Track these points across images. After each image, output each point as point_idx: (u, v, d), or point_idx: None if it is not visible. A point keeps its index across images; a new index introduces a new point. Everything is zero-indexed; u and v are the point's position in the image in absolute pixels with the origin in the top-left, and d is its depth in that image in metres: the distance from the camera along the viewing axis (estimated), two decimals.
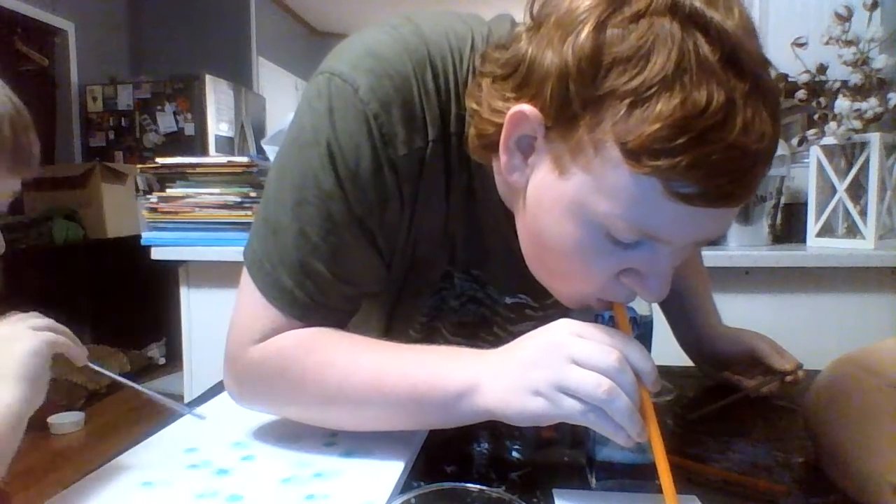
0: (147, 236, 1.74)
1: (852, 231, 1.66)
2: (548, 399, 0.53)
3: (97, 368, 0.71)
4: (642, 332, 0.70)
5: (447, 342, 0.60)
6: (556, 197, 0.55)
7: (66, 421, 2.75)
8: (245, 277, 0.67)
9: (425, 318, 0.78)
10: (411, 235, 0.69)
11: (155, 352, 3.70)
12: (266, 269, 0.65)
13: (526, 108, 0.54)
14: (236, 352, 0.67)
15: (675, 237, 0.52)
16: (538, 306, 0.79)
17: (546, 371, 0.53)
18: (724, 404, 0.84)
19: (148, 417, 0.72)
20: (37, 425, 2.74)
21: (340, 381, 0.62)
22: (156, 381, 3.40)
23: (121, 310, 3.64)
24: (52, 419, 2.73)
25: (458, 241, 0.71)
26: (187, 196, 1.72)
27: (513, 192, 0.62)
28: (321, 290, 0.65)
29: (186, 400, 0.86)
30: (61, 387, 2.93)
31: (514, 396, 0.55)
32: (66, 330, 0.66)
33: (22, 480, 2.21)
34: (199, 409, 0.75)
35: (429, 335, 0.79)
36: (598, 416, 0.52)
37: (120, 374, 2.75)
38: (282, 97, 6.15)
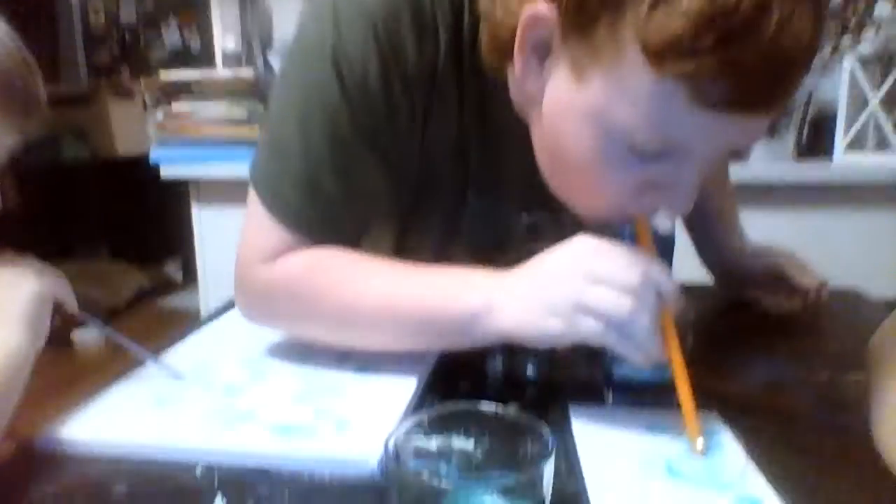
0: (155, 154, 1.71)
1: (883, 145, 1.59)
2: (565, 319, 0.51)
3: (90, 318, 0.69)
4: (663, 248, 0.67)
5: (460, 265, 0.58)
6: (574, 105, 0.51)
7: (89, 336, 2.81)
8: (252, 196, 0.65)
9: (438, 237, 0.75)
10: (423, 150, 0.65)
11: (172, 269, 3.74)
12: (272, 186, 0.63)
13: (542, 8, 0.49)
14: (245, 272, 0.65)
15: (701, 148, 0.48)
16: (555, 224, 0.76)
17: (564, 290, 0.51)
18: (743, 321, 0.82)
19: (170, 333, 0.72)
20: (60, 341, 2.81)
21: (352, 302, 0.61)
22: (173, 298, 3.45)
23: (135, 228, 3.65)
24: (75, 335, 2.79)
25: (472, 156, 0.68)
26: (194, 112, 1.68)
27: (529, 102, 0.58)
28: (330, 207, 0.62)
29: (203, 315, 0.85)
30: (81, 304, 2.98)
31: (530, 317, 0.53)
32: (62, 275, 0.63)
33: (47, 394, 2.29)
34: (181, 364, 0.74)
35: (441, 257, 0.76)
36: (617, 337, 0.50)
37: (137, 292, 2.77)
38: (290, 8, 5.93)
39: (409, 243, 0.76)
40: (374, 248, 0.73)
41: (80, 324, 0.67)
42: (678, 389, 0.52)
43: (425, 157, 0.66)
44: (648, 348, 0.50)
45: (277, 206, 0.63)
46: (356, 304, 0.61)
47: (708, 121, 0.45)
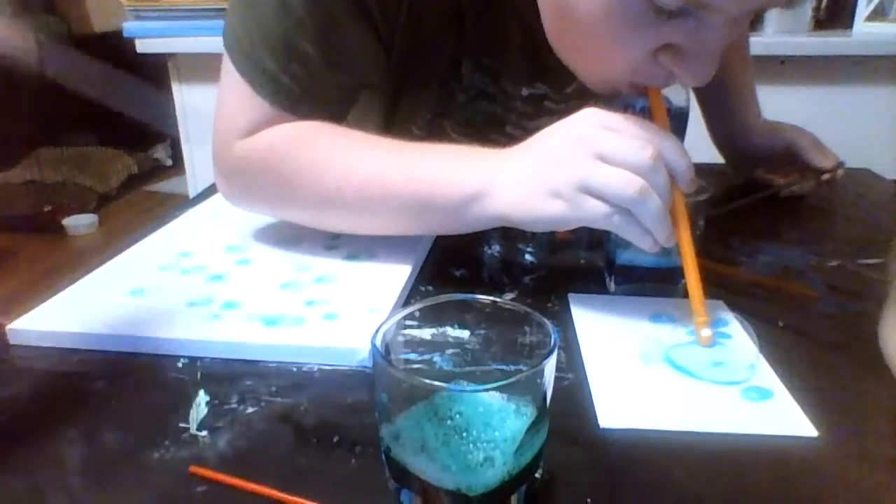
0: (129, 27, 1.60)
1: None
2: (568, 201, 0.47)
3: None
4: (677, 124, 0.62)
5: (454, 143, 0.53)
6: None
7: (81, 223, 2.79)
8: (226, 62, 0.59)
9: (430, 114, 0.70)
10: (414, 12, 0.59)
11: (161, 153, 3.65)
12: (246, 49, 0.57)
13: None
14: (222, 147, 0.61)
15: (727, 3, 0.42)
16: (559, 97, 0.70)
17: (568, 169, 0.47)
18: (753, 200, 0.78)
19: (161, 217, 0.70)
20: (52, 228, 2.80)
21: (337, 180, 0.56)
22: (163, 184, 3.39)
23: (121, 110, 3.53)
24: (66, 221, 2.76)
25: (468, 17, 0.61)
26: None
27: None
28: (310, 74, 0.56)
29: (191, 198, 0.80)
30: (70, 190, 2.94)
31: (529, 199, 0.49)
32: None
33: (42, 279, 2.30)
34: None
35: (433, 135, 0.71)
36: (624, 220, 0.47)
37: (128, 177, 2.73)
38: None
39: (398, 121, 0.70)
40: (362, 123, 0.67)
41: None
42: (686, 277, 0.49)
43: (416, 19, 0.59)
44: (657, 232, 0.47)
45: (253, 74, 0.57)
46: (343, 183, 0.56)
47: None
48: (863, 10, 1.55)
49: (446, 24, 0.61)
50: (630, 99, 0.56)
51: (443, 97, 0.68)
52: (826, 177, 0.79)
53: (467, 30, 0.62)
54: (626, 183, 0.45)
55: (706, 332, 0.47)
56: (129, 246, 0.64)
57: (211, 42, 1.53)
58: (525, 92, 0.69)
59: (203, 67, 1.62)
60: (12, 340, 0.49)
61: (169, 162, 3.64)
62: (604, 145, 0.46)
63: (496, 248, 0.65)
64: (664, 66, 0.48)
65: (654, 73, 0.49)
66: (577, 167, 0.47)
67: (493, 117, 0.70)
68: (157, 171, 3.57)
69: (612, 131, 0.47)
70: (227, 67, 0.58)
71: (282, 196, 0.60)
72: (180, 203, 0.78)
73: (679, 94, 0.61)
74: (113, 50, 2.53)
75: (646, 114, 0.57)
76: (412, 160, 0.55)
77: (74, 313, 0.51)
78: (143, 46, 1.59)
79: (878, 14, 1.54)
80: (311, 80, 0.57)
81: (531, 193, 0.49)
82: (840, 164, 0.79)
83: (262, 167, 0.59)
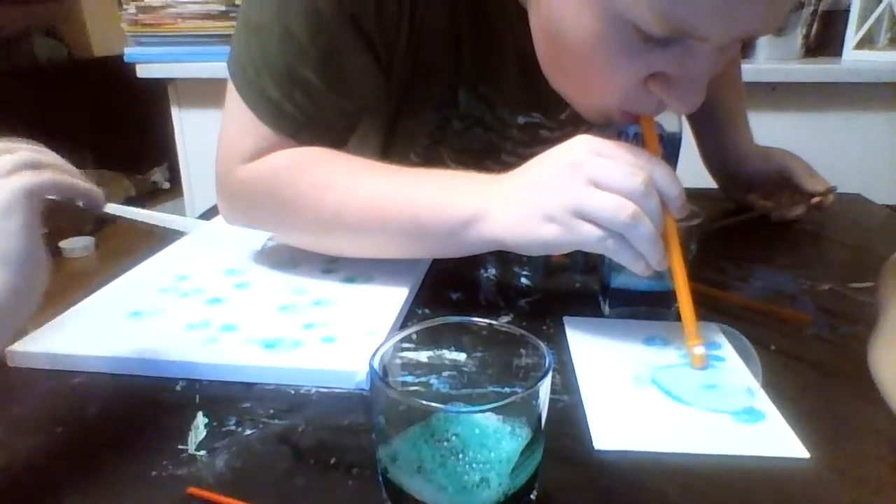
0: (130, 52, 1.62)
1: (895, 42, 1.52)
2: (562, 225, 0.48)
3: (117, 213, 0.53)
4: (669, 150, 0.64)
5: (450, 169, 0.54)
6: None
7: (77, 245, 2.79)
8: (230, 89, 0.60)
9: (427, 140, 0.71)
10: (413, 37, 0.60)
11: (158, 176, 3.66)
12: (250, 77, 0.58)
13: None
14: (225, 171, 0.62)
15: (713, 32, 0.43)
16: (554, 125, 0.71)
17: (562, 194, 0.48)
18: (742, 219, 0.80)
19: (159, 241, 0.70)
20: (48, 250, 2.79)
21: (337, 204, 0.57)
22: (161, 206, 3.40)
23: (120, 133, 3.54)
24: (62, 243, 2.76)
25: (465, 44, 0.62)
26: (168, 6, 1.57)
27: None
28: (312, 102, 0.58)
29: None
30: (67, 212, 2.94)
31: (525, 223, 0.49)
32: (59, 161, 0.45)
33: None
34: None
35: (430, 161, 0.72)
36: (617, 244, 0.47)
37: (125, 200, 2.71)
38: None
39: (396, 146, 0.71)
40: (361, 147, 0.68)
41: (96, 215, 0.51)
42: (679, 300, 0.50)
43: (415, 46, 0.61)
44: (649, 256, 0.48)
45: (256, 100, 0.58)
46: (342, 207, 0.57)
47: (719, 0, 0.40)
48: (851, 38, 1.57)
49: (444, 50, 0.63)
50: (623, 126, 0.58)
51: (440, 123, 0.69)
52: (816, 201, 0.80)
53: (465, 54, 0.63)
54: (618, 208, 0.46)
55: (699, 351, 0.48)
56: (126, 269, 0.64)
57: (210, 67, 1.55)
58: (521, 120, 0.70)
59: (202, 92, 1.64)
60: (11, 362, 0.49)
61: (167, 185, 3.65)
62: (596, 171, 0.47)
63: (492, 271, 0.66)
64: (654, 93, 0.49)
65: (645, 100, 0.50)
66: (570, 192, 0.47)
67: (488, 145, 0.71)
68: (154, 193, 3.58)
69: (605, 157, 0.48)
70: (232, 94, 0.60)
71: (283, 219, 0.61)
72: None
73: (671, 121, 0.63)
74: (113, 74, 2.56)
75: (639, 140, 0.58)
76: (410, 184, 0.56)
77: (74, 336, 0.51)
78: (143, 71, 1.61)
79: (867, 42, 1.57)
80: (313, 107, 0.58)
81: (526, 217, 0.49)
82: (831, 189, 0.80)
83: (263, 191, 0.60)
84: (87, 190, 0.45)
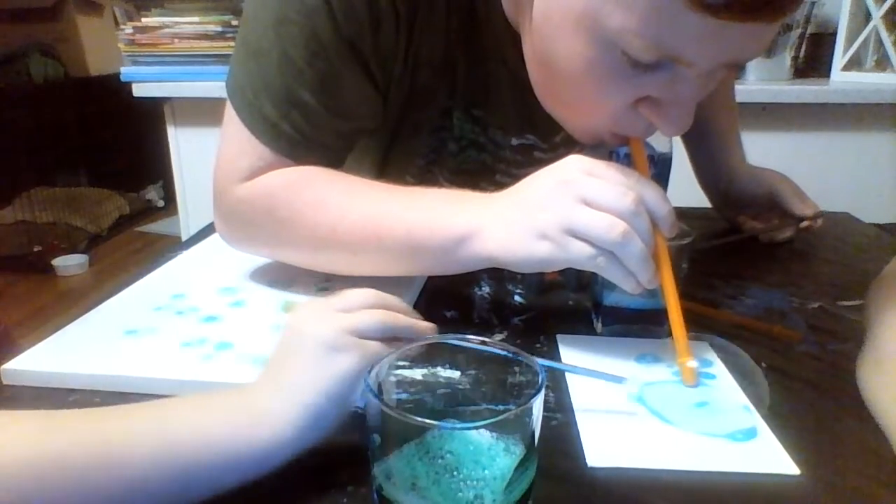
0: (126, 71, 1.63)
1: (882, 64, 1.55)
2: (554, 243, 0.48)
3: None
4: (660, 170, 0.65)
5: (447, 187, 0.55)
6: (566, 10, 0.47)
7: (71, 263, 2.78)
8: (229, 109, 0.61)
9: (423, 161, 0.72)
10: (409, 63, 0.61)
11: (153, 194, 3.67)
12: (248, 98, 0.59)
13: None
14: (223, 190, 0.62)
15: (700, 58, 0.44)
16: (547, 147, 0.72)
17: (553, 212, 0.48)
18: (732, 240, 0.81)
19: (152, 259, 0.70)
20: (42, 268, 2.79)
21: (333, 223, 0.58)
22: (155, 224, 3.40)
23: (114, 152, 3.55)
24: (56, 261, 2.76)
25: (459, 69, 0.64)
26: (164, 26, 1.59)
27: (519, 10, 0.54)
28: (309, 122, 0.59)
29: (184, 240, 0.81)
30: (61, 230, 2.94)
31: (517, 241, 0.50)
32: (403, 318, 0.43)
33: (31, 319, 2.28)
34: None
35: (425, 182, 0.73)
36: (608, 262, 0.48)
37: (119, 218, 2.70)
38: None
39: (392, 168, 0.72)
40: (357, 168, 0.69)
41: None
42: (670, 317, 0.50)
43: (412, 70, 0.62)
44: (640, 274, 0.48)
45: (254, 121, 0.59)
46: (337, 225, 0.57)
47: (706, 27, 0.41)
48: (839, 59, 1.60)
49: (439, 77, 0.64)
50: (613, 147, 0.59)
51: (434, 146, 0.70)
52: (805, 224, 0.81)
53: (459, 78, 0.64)
54: (609, 226, 0.46)
55: (691, 365, 0.49)
56: (121, 287, 0.64)
57: (205, 87, 1.57)
58: (515, 142, 0.71)
59: (198, 111, 1.65)
60: (6, 380, 0.49)
61: (161, 203, 3.65)
62: (587, 190, 0.48)
63: (486, 289, 0.67)
64: (644, 116, 0.50)
65: (635, 123, 0.51)
66: (562, 210, 0.48)
67: (483, 166, 0.72)
68: (148, 211, 3.59)
69: (596, 177, 0.49)
70: (230, 113, 0.61)
71: (279, 238, 0.62)
72: (172, 244, 0.79)
73: (662, 141, 0.64)
74: (109, 93, 2.57)
75: (630, 161, 0.59)
76: (404, 203, 0.57)
77: (69, 353, 0.51)
78: (139, 90, 1.62)
79: (854, 64, 1.60)
80: (310, 128, 0.59)
81: (519, 235, 0.50)
82: (819, 214, 0.81)
83: (260, 210, 0.60)
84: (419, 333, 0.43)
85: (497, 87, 0.66)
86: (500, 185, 0.55)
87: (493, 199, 0.54)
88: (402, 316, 0.43)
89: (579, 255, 0.48)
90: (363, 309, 0.42)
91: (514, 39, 0.57)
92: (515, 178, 0.54)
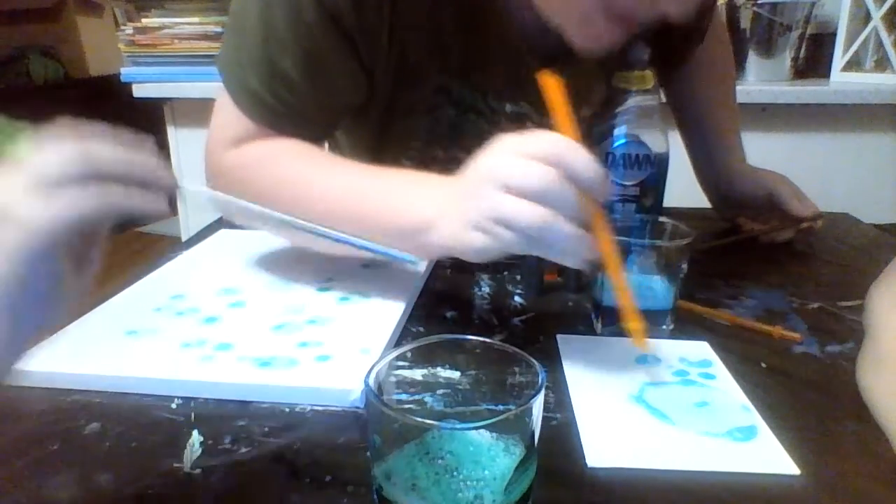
0: (126, 72, 1.63)
1: (882, 65, 1.55)
2: (487, 233, 0.47)
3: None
4: (657, 170, 0.65)
5: (443, 168, 0.54)
6: None
7: None
8: (221, 83, 0.65)
9: (420, 142, 0.73)
10: (395, 38, 0.63)
11: None
12: (235, 71, 0.62)
13: None
14: (211, 155, 0.66)
15: None
16: (541, 121, 0.73)
17: (480, 202, 0.47)
18: (731, 241, 0.81)
19: (152, 259, 0.69)
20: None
21: (297, 200, 0.59)
22: (155, 225, 3.39)
23: None
24: None
25: (449, 38, 0.65)
26: (164, 27, 1.59)
27: None
28: (293, 95, 0.61)
29: (184, 240, 0.81)
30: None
31: (459, 233, 0.50)
32: (118, 160, 0.34)
33: None
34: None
35: (423, 164, 0.74)
36: (540, 246, 0.47)
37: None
38: None
39: (388, 146, 0.73)
40: (352, 151, 0.71)
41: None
42: (613, 283, 0.49)
43: (399, 45, 0.63)
44: (575, 251, 0.46)
45: (239, 93, 0.62)
46: (301, 202, 0.59)
47: None
48: (839, 60, 1.60)
49: (428, 48, 0.65)
50: (611, 146, 0.59)
51: (431, 124, 0.71)
52: (804, 226, 0.81)
53: (451, 50, 0.66)
54: (530, 214, 0.45)
55: (637, 328, 0.49)
56: (120, 287, 0.64)
57: (206, 87, 1.56)
58: (509, 108, 0.72)
59: (198, 112, 1.65)
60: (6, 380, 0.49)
61: None
62: (507, 175, 0.46)
63: (486, 290, 0.67)
64: None
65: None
66: (486, 200, 0.47)
67: (481, 133, 0.73)
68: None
69: (516, 162, 0.46)
70: (221, 86, 0.64)
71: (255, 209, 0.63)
72: (171, 244, 0.79)
73: (658, 141, 0.64)
74: (109, 94, 2.57)
75: (628, 160, 0.60)
76: (375, 186, 0.57)
77: (69, 354, 0.51)
78: (139, 91, 1.62)
79: (854, 65, 1.60)
80: (293, 100, 0.61)
81: (459, 228, 0.50)
82: (819, 215, 0.81)
83: (235, 181, 0.63)
84: (151, 201, 0.35)
85: (489, 53, 0.67)
86: None
87: (445, 187, 0.53)
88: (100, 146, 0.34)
89: (511, 243, 0.47)
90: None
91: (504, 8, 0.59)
92: None
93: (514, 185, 0.46)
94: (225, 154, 0.64)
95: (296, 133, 0.63)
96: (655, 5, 0.51)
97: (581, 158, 0.46)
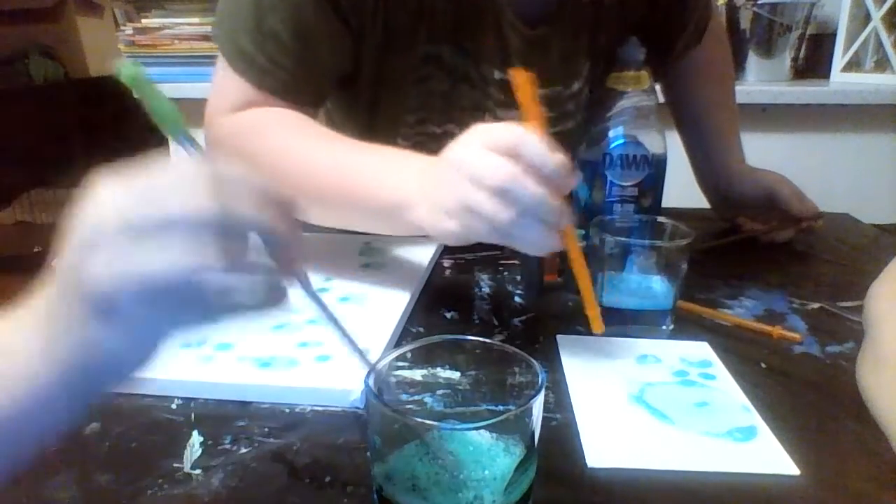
0: None
1: (882, 65, 1.55)
2: (458, 220, 0.48)
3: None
4: (654, 171, 0.65)
5: (438, 144, 0.54)
6: None
7: None
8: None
9: (413, 116, 0.73)
10: (380, 1, 0.65)
11: None
12: (227, 31, 0.64)
13: None
14: (209, 120, 0.68)
15: None
16: None
17: (451, 191, 0.48)
18: (730, 241, 0.81)
19: None
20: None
21: (285, 169, 0.61)
22: None
23: (114, 153, 3.54)
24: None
25: (436, 3, 0.66)
26: (165, 27, 1.59)
27: None
28: (283, 54, 0.63)
29: None
30: (62, 231, 2.94)
31: (433, 217, 0.51)
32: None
33: None
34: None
35: (419, 142, 0.74)
36: (507, 236, 0.47)
37: None
38: None
39: (381, 123, 0.74)
40: (343, 128, 0.72)
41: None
42: (574, 270, 0.50)
43: (383, 13, 0.65)
44: (540, 243, 0.48)
45: (232, 54, 0.64)
46: (289, 171, 0.60)
47: None
48: (839, 61, 1.60)
49: (413, 14, 0.66)
50: (608, 147, 0.59)
51: (422, 96, 0.72)
52: (804, 225, 0.81)
53: (437, 19, 0.67)
54: (497, 209, 0.46)
55: (593, 315, 0.51)
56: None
57: (205, 88, 1.54)
58: (497, 76, 0.72)
59: (197, 112, 1.63)
60: None
61: None
62: (475, 170, 0.47)
63: (486, 290, 0.67)
64: None
65: None
66: (456, 189, 0.48)
67: (474, 103, 0.74)
68: None
69: (483, 155, 0.47)
70: (218, 53, 0.66)
71: None
72: None
73: (656, 142, 0.64)
74: (110, 94, 2.57)
75: (625, 160, 0.60)
76: (353, 159, 0.59)
77: None
78: None
79: (854, 65, 1.60)
80: (284, 60, 0.63)
81: (433, 211, 0.50)
82: (819, 215, 0.81)
83: (229, 147, 0.65)
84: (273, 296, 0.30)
85: (477, 17, 0.68)
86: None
87: (426, 169, 0.53)
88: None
89: (480, 231, 0.48)
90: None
91: None
92: (501, 121, 0.53)
93: (479, 180, 0.46)
94: (221, 119, 0.66)
95: (287, 97, 0.64)
96: None
97: (536, 148, 0.46)
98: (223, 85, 0.66)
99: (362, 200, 0.57)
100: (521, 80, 0.48)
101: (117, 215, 0.27)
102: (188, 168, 0.29)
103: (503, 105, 0.73)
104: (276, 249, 0.31)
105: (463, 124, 0.50)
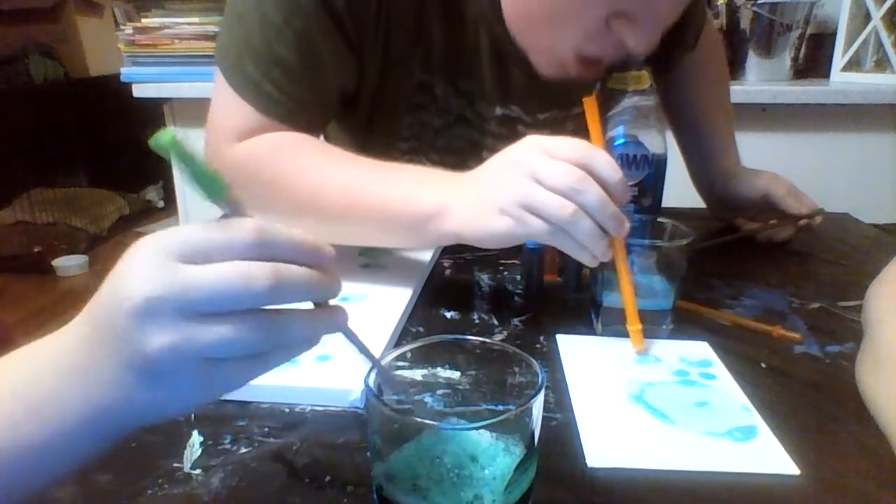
0: (126, 72, 1.63)
1: (882, 65, 1.55)
2: (514, 218, 0.50)
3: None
4: (655, 171, 0.65)
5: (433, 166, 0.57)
6: None
7: (71, 263, 2.78)
8: (217, 73, 0.65)
9: (406, 143, 0.74)
10: (381, 27, 0.64)
11: (153, 195, 3.66)
12: (233, 59, 0.63)
13: None
14: (214, 152, 0.66)
15: None
16: (530, 121, 0.74)
17: (511, 190, 0.50)
18: (727, 240, 0.81)
19: None
20: (42, 268, 2.79)
21: (312, 191, 0.60)
22: (155, 225, 3.40)
23: (114, 152, 3.54)
24: (56, 262, 2.75)
25: (435, 36, 0.66)
26: (164, 27, 1.59)
27: None
28: (290, 80, 0.62)
29: None
30: (61, 231, 2.94)
31: (480, 217, 0.52)
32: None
33: (30, 320, 2.28)
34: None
35: (412, 160, 0.75)
36: (563, 237, 0.50)
37: (119, 218, 2.70)
38: None
39: (374, 147, 0.74)
40: (344, 147, 0.72)
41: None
42: (620, 285, 0.53)
43: (383, 39, 0.65)
44: (593, 248, 0.50)
45: (238, 80, 0.63)
46: (316, 194, 0.60)
47: None
48: (839, 60, 1.60)
49: (411, 42, 0.66)
50: (608, 146, 0.59)
51: (416, 123, 0.72)
52: (803, 223, 0.81)
53: (434, 50, 0.67)
54: (559, 206, 0.48)
55: (634, 329, 0.53)
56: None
57: (205, 87, 1.56)
58: (498, 112, 0.73)
59: (197, 112, 1.64)
60: None
61: (161, 203, 3.65)
62: (538, 169, 0.49)
63: (486, 290, 0.67)
64: (615, 32, 0.53)
65: (604, 42, 0.54)
66: (517, 187, 0.50)
67: (470, 143, 0.74)
68: (148, 212, 3.58)
69: (548, 157, 0.50)
70: (219, 78, 0.64)
71: (263, 201, 0.63)
72: None
73: (657, 142, 0.64)
74: (109, 94, 2.57)
75: (626, 159, 0.60)
76: (381, 177, 0.59)
77: None
78: (139, 91, 1.62)
79: (854, 65, 1.60)
80: (290, 86, 0.62)
81: (481, 212, 0.52)
82: (818, 212, 0.81)
83: (246, 173, 0.63)
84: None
85: (477, 54, 0.68)
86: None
87: (461, 178, 0.56)
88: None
89: (536, 229, 0.50)
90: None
91: (492, 2, 0.60)
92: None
93: (545, 179, 0.49)
94: (227, 149, 0.64)
95: (293, 122, 0.64)
96: (620, 50, 0.55)
97: (603, 159, 0.50)
98: (227, 110, 0.65)
99: (393, 215, 0.57)
100: (591, 107, 0.53)
101: (172, 292, 0.28)
102: (239, 233, 0.30)
103: (503, 138, 0.73)
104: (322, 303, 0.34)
105: (458, 161, 0.53)
